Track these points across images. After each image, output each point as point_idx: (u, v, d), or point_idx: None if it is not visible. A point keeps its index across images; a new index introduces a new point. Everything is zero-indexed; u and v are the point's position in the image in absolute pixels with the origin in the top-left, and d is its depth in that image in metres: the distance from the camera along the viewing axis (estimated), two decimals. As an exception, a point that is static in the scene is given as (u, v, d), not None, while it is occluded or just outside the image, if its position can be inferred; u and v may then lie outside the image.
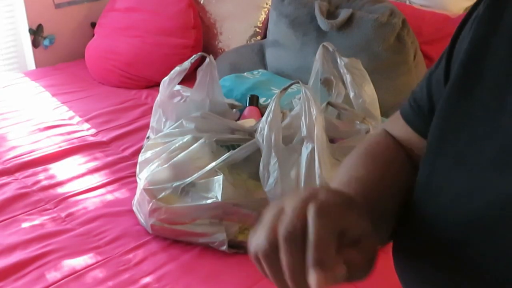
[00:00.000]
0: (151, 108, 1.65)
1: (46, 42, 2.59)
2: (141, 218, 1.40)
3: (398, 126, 0.65)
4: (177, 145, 1.39)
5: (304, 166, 1.21)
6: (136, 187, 1.44)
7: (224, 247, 1.31)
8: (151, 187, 1.34)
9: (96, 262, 1.29)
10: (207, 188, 1.31)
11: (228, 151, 1.35)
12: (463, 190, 0.48)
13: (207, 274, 1.26)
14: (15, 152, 1.76)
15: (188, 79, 1.78)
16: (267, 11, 2.33)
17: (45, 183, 1.60)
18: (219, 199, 1.27)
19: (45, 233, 1.38)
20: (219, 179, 1.29)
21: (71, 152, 1.77)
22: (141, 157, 1.44)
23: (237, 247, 1.32)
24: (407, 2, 2.21)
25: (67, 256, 1.31)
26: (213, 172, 1.31)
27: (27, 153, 1.75)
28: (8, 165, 1.68)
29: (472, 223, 0.47)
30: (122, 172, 1.67)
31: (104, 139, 1.88)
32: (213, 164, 1.31)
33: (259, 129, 1.27)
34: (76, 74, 2.48)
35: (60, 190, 1.57)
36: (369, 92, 1.36)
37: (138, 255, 1.32)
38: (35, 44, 2.57)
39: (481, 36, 0.51)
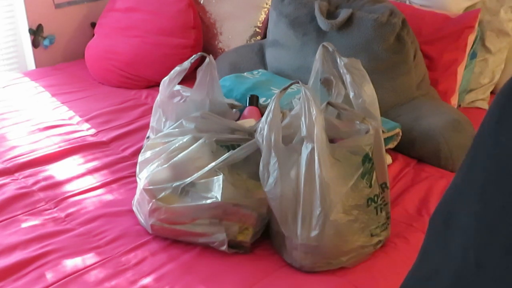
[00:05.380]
0: (151, 108, 1.65)
1: (46, 42, 2.59)
2: (141, 218, 1.40)
3: None
4: (177, 145, 1.39)
5: (304, 166, 1.21)
6: (136, 187, 1.44)
7: (224, 247, 1.31)
8: (151, 187, 1.34)
9: (96, 262, 1.29)
10: (207, 188, 1.31)
11: (228, 151, 1.35)
12: None
13: (207, 274, 1.26)
14: (15, 152, 1.76)
15: (188, 79, 1.78)
16: (267, 11, 2.33)
17: (45, 183, 1.60)
18: (219, 199, 1.27)
19: (45, 233, 1.38)
20: (219, 179, 1.29)
21: (71, 152, 1.77)
22: (141, 157, 1.44)
23: (237, 247, 1.32)
24: (407, 2, 2.22)
25: (67, 256, 1.31)
26: (213, 172, 1.31)
27: (27, 153, 1.75)
28: (8, 165, 1.68)
29: None
30: (122, 172, 1.67)
31: (104, 139, 1.88)
32: (213, 164, 1.31)
33: (259, 129, 1.27)
34: (76, 74, 2.48)
35: (60, 190, 1.57)
36: (369, 92, 1.36)
37: (138, 255, 1.32)
38: (35, 44, 2.58)
39: None
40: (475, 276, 0.47)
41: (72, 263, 1.29)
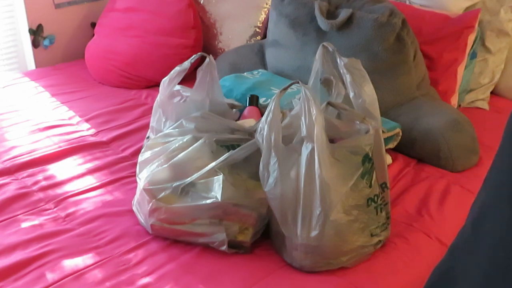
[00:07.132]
0: (151, 108, 1.65)
1: (46, 42, 2.59)
2: (141, 218, 1.40)
3: None
4: (177, 145, 1.39)
5: (304, 166, 1.21)
6: (136, 187, 1.44)
7: (224, 247, 1.31)
8: (151, 187, 1.34)
9: (96, 262, 1.29)
10: (207, 188, 1.31)
11: (228, 151, 1.35)
12: None
13: (207, 274, 1.27)
14: (15, 152, 1.76)
15: (188, 79, 1.78)
16: (267, 11, 2.33)
17: (44, 183, 1.60)
18: (219, 199, 1.27)
19: (45, 233, 1.38)
20: (219, 179, 1.29)
21: (71, 152, 1.77)
22: (141, 157, 1.44)
23: (237, 247, 1.32)
24: (407, 2, 2.22)
25: (67, 256, 1.31)
26: (213, 172, 1.31)
27: (27, 153, 1.75)
28: (8, 165, 1.68)
29: None
30: (122, 172, 1.67)
31: (104, 139, 1.88)
32: (213, 164, 1.31)
33: (259, 129, 1.27)
34: (76, 74, 2.47)
35: (60, 190, 1.57)
36: (369, 92, 1.36)
37: (138, 255, 1.32)
38: (35, 44, 2.57)
39: None
40: (505, 275, 0.47)
41: (72, 263, 1.29)
